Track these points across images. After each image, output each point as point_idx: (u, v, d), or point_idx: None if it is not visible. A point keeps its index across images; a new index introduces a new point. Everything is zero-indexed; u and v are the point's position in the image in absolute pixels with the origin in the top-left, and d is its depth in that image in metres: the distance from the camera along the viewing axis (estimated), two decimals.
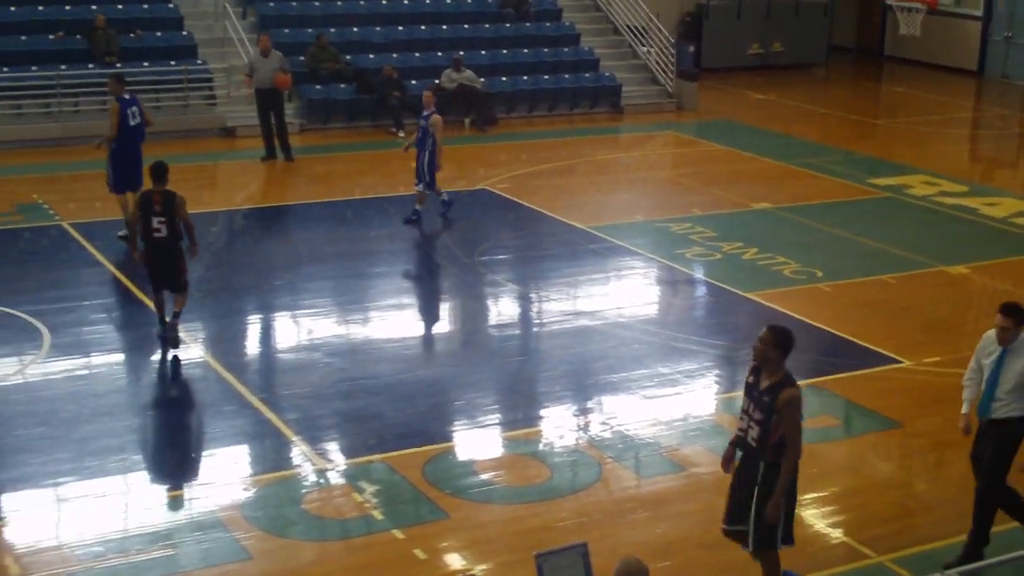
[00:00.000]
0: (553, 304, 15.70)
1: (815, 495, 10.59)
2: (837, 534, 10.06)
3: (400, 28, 28.39)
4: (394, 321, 14.96)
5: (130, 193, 16.93)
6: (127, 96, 17.72)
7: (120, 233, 17.04)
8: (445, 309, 15.70)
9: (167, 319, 13.62)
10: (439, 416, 12.12)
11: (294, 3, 27.93)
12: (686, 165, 24.28)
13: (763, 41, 35.36)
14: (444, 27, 28.89)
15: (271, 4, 27.64)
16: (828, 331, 14.50)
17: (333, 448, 11.37)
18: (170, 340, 13.47)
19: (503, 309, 15.87)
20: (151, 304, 14.17)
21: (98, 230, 17.81)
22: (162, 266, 13.57)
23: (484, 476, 10.72)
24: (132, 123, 17.50)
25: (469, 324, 15.20)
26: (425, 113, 18.70)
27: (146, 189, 14.00)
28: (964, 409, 9.55)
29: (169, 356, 13.37)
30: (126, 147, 17.38)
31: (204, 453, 11.31)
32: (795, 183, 21.94)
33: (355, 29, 27.93)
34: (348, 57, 26.76)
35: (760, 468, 8.36)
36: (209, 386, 12.74)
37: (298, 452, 11.17)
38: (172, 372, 13.37)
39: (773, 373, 8.28)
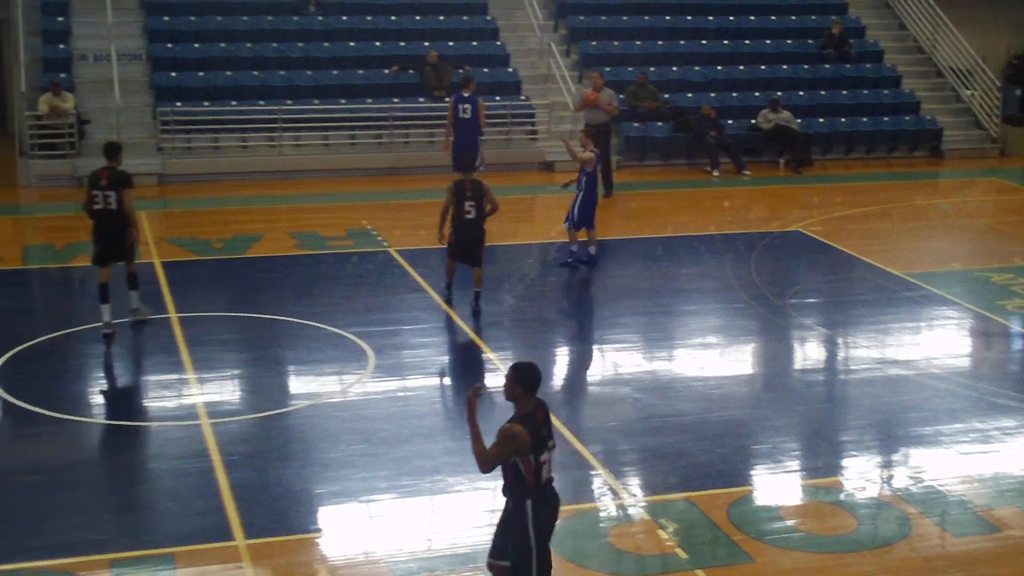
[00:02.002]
0: (864, 351, 15.47)
1: None
2: None
3: (719, 68, 28.53)
4: (702, 360, 15.07)
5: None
6: (465, 95, 21.85)
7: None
8: (753, 350, 15.67)
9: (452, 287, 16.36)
10: (745, 458, 12.15)
11: (616, 43, 28.46)
12: (1009, 213, 23.51)
13: None
14: (763, 67, 28.88)
15: (593, 44, 28.25)
16: None
17: (639, 483, 11.54)
18: (476, 314, 16.02)
19: (812, 353, 15.76)
20: (448, 275, 16.41)
21: (422, 257, 18.59)
22: (467, 242, 15.98)
23: (789, 522, 10.69)
24: (461, 116, 21.81)
25: (777, 367, 15.14)
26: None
27: (458, 179, 16.20)
28: None
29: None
30: (458, 136, 21.74)
31: None
32: None
33: (674, 68, 28.22)
34: (667, 96, 27.06)
35: (507, 505, 8.23)
36: None
37: (604, 485, 11.38)
38: (486, 399, 13.88)
39: (520, 409, 8.10)
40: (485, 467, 8.08)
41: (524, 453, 8.06)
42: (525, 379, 8.15)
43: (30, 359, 14.36)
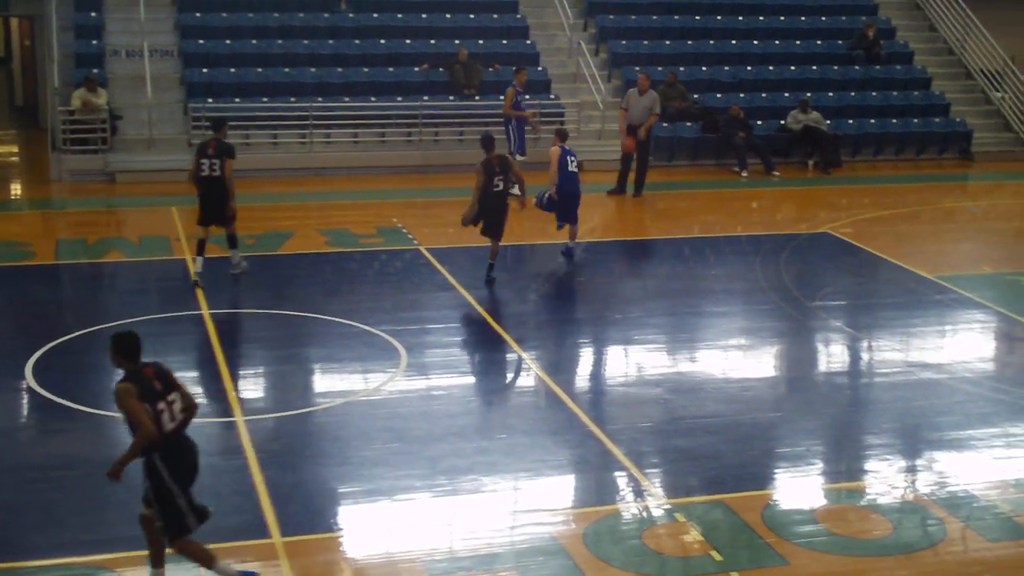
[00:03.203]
0: (895, 354, 15.46)
1: None
2: None
3: (748, 68, 28.55)
4: (732, 361, 15.08)
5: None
6: (520, 88, 23.54)
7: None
8: (783, 352, 15.67)
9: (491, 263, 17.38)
10: (778, 460, 12.16)
11: (645, 42, 28.54)
12: None
13: None
14: (792, 68, 28.89)
15: (623, 43, 28.32)
16: None
17: (672, 485, 11.54)
18: (489, 281, 17.32)
19: (842, 356, 15.76)
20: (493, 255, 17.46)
21: (450, 255, 18.68)
22: (495, 216, 17.22)
23: (822, 525, 10.69)
24: (522, 107, 23.47)
25: (807, 369, 15.14)
26: None
27: (487, 157, 17.17)
28: None
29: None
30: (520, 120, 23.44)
31: (547, 479, 11.64)
32: None
33: (704, 68, 28.25)
34: (696, 96, 27.07)
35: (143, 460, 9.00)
36: (552, 414, 13.14)
37: (637, 485, 11.40)
38: (518, 398, 13.94)
39: (127, 370, 9.02)
40: (147, 431, 8.77)
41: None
42: (122, 349, 9.10)
43: (65, 354, 14.46)
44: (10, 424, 12.97)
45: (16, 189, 25.26)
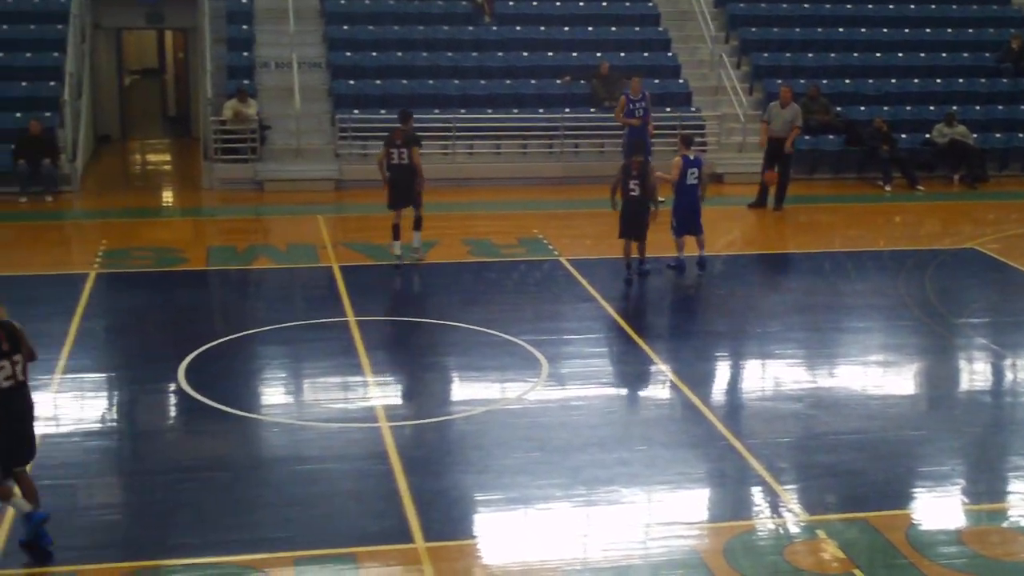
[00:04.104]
0: None
1: None
2: None
3: (893, 81, 28.16)
4: (877, 378, 14.91)
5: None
6: (632, 96, 23.36)
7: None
8: (929, 369, 15.43)
9: (632, 266, 18.05)
10: (923, 479, 12.00)
11: (788, 55, 28.34)
12: None
13: None
14: (938, 81, 28.41)
15: (765, 55, 28.14)
16: None
17: (815, 501, 11.45)
18: (644, 274, 18.19)
19: (990, 374, 15.47)
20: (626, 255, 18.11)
21: (591, 267, 18.77)
22: (634, 219, 17.81)
23: (969, 547, 10.53)
24: (638, 114, 23.30)
25: (954, 387, 14.91)
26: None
27: (626, 162, 18.15)
28: None
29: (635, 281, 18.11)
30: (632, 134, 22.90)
31: (687, 492, 11.66)
32: None
33: (847, 81, 27.94)
34: (839, 108, 26.80)
35: None
36: (693, 427, 13.13)
37: (779, 500, 11.36)
38: (657, 410, 13.97)
39: None
40: None
41: None
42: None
43: (216, 358, 14.87)
44: (163, 425, 13.40)
45: (169, 196, 25.98)
